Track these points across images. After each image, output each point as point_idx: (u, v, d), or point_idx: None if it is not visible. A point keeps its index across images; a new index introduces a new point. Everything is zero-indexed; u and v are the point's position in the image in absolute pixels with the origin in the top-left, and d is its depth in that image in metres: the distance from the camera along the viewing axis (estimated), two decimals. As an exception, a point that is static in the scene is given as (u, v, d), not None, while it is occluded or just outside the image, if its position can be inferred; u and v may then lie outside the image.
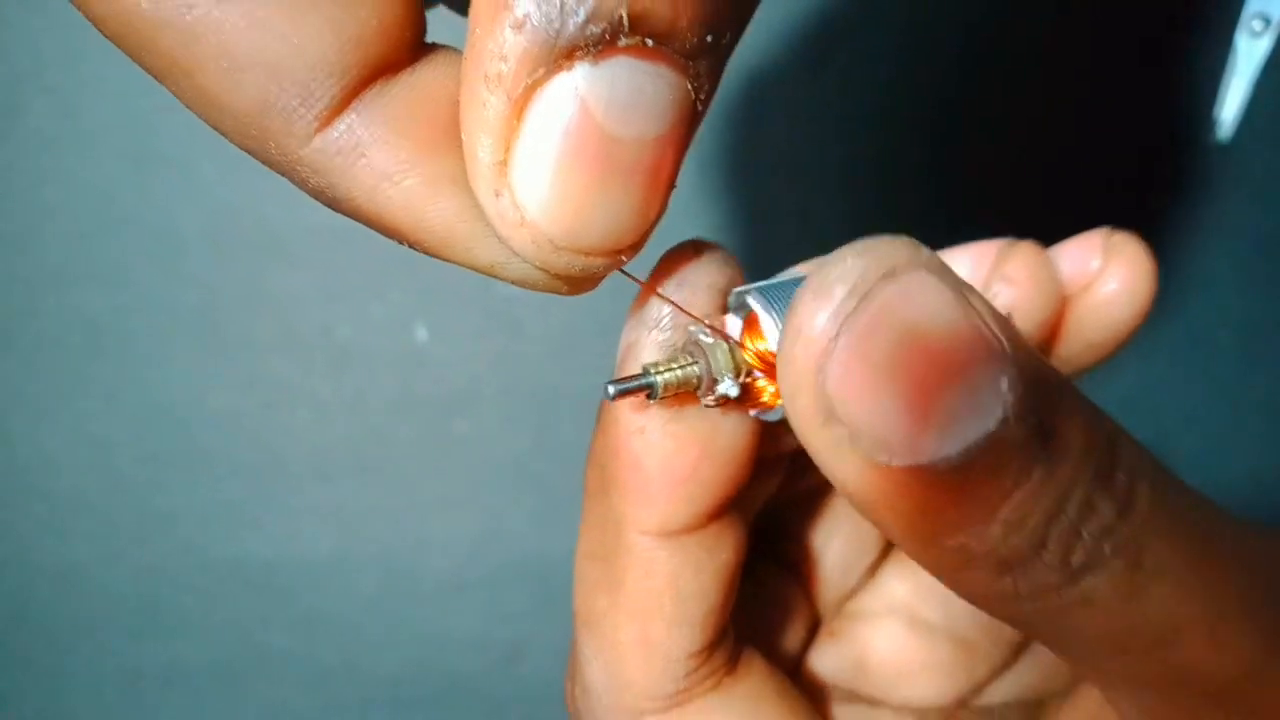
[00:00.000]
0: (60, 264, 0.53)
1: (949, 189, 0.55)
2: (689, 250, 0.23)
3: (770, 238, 0.55)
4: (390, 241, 0.57)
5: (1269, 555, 0.20)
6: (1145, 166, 0.56)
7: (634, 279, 0.22)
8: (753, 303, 0.21)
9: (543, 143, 0.17)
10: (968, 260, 0.26)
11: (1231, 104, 0.53)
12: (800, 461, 0.28)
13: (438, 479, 0.55)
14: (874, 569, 0.31)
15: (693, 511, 0.22)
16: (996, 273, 0.25)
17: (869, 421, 0.17)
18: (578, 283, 0.20)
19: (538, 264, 0.18)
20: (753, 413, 0.22)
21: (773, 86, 0.54)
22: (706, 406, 0.22)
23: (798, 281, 0.20)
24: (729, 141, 0.54)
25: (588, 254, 0.18)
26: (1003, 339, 0.17)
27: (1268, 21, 0.52)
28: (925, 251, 0.18)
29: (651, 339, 0.22)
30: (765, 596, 0.30)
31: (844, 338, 0.17)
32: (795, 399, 0.18)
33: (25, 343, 0.54)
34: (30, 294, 0.53)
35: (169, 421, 0.54)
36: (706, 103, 0.18)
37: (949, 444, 0.17)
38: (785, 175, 0.54)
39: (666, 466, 0.22)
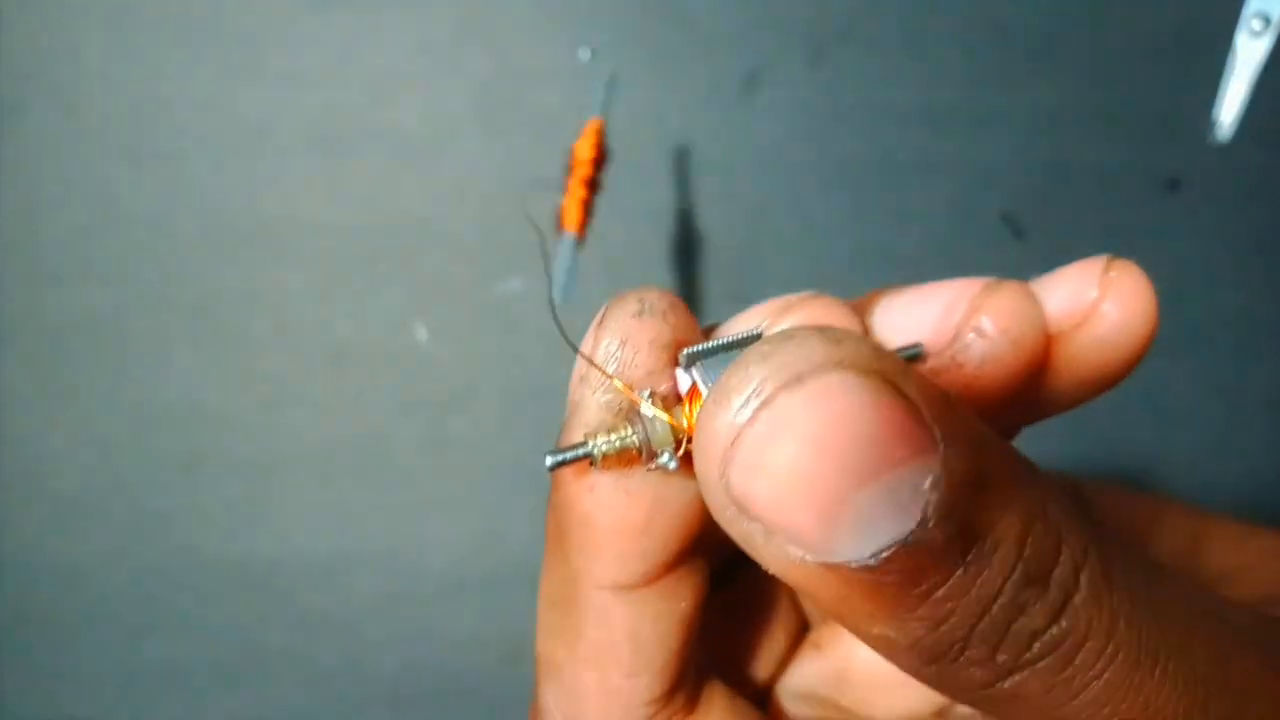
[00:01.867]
0: (59, 263, 0.53)
1: (948, 188, 0.55)
2: (632, 304, 0.22)
3: (770, 237, 0.55)
4: (389, 240, 0.57)
5: (1236, 639, 0.19)
6: (1144, 166, 0.56)
7: (570, 344, 0.22)
8: (695, 374, 0.21)
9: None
10: (940, 304, 0.24)
11: (1231, 104, 0.53)
12: None
13: (437, 479, 0.55)
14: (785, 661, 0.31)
15: (647, 566, 0.22)
16: (971, 320, 0.23)
17: (776, 522, 0.17)
18: None
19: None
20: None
21: (772, 85, 0.54)
22: (649, 471, 0.21)
23: (750, 341, 0.20)
24: (729, 141, 0.54)
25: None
26: (935, 431, 0.16)
27: (1268, 21, 0.52)
28: (846, 345, 0.17)
29: (594, 401, 0.22)
30: (750, 606, 0.29)
31: (740, 449, 0.17)
32: (705, 495, 0.18)
33: (23, 341, 0.54)
34: (29, 293, 0.53)
35: (167, 420, 0.54)
36: None
37: (861, 546, 0.16)
38: (785, 174, 0.54)
39: (618, 522, 0.22)
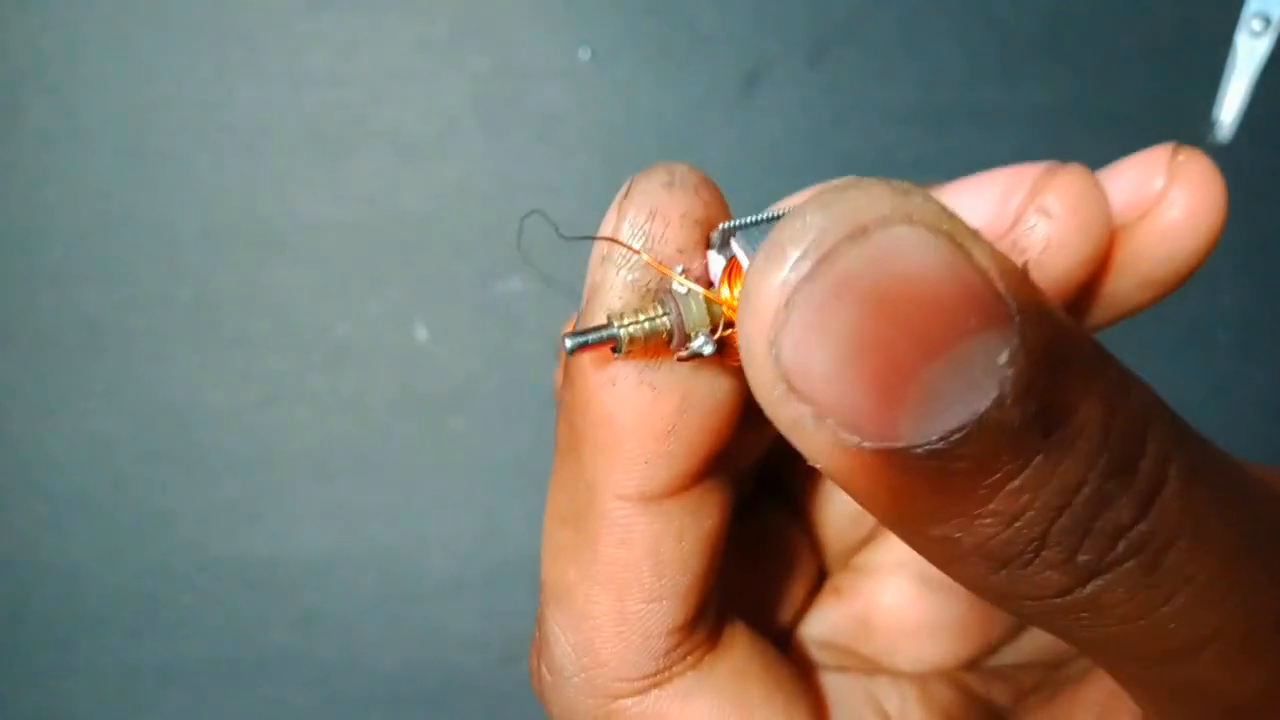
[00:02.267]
0: (59, 262, 0.53)
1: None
2: (661, 174, 0.20)
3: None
4: (389, 239, 0.57)
5: None
6: (1145, 166, 0.56)
7: (573, 238, 0.20)
8: (736, 246, 0.19)
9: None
10: (998, 188, 0.22)
11: (1231, 104, 0.53)
12: None
13: (437, 477, 0.56)
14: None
15: (673, 473, 0.20)
16: (1033, 202, 0.21)
17: (831, 400, 0.15)
18: None
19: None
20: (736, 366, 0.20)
21: (772, 85, 0.54)
22: (680, 360, 0.19)
23: None
24: (729, 141, 0.54)
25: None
26: (1010, 301, 0.14)
27: (1268, 21, 0.52)
28: (915, 197, 0.15)
29: (619, 280, 0.19)
30: (766, 549, 0.27)
31: (796, 311, 0.15)
32: (750, 372, 0.16)
33: (24, 341, 0.54)
34: (29, 292, 0.53)
35: (168, 420, 0.54)
36: None
37: (929, 428, 0.14)
38: (785, 174, 0.55)
39: (642, 421, 0.19)
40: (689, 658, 0.22)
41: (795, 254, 0.15)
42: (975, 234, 0.15)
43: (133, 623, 0.56)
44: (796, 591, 0.27)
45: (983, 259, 0.15)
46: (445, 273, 0.54)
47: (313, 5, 0.52)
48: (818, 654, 0.27)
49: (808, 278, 0.15)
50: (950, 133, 0.55)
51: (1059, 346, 0.15)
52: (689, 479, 0.20)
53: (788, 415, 0.15)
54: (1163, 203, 0.21)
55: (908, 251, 0.14)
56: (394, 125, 0.53)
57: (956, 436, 0.14)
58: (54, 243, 0.53)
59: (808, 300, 0.15)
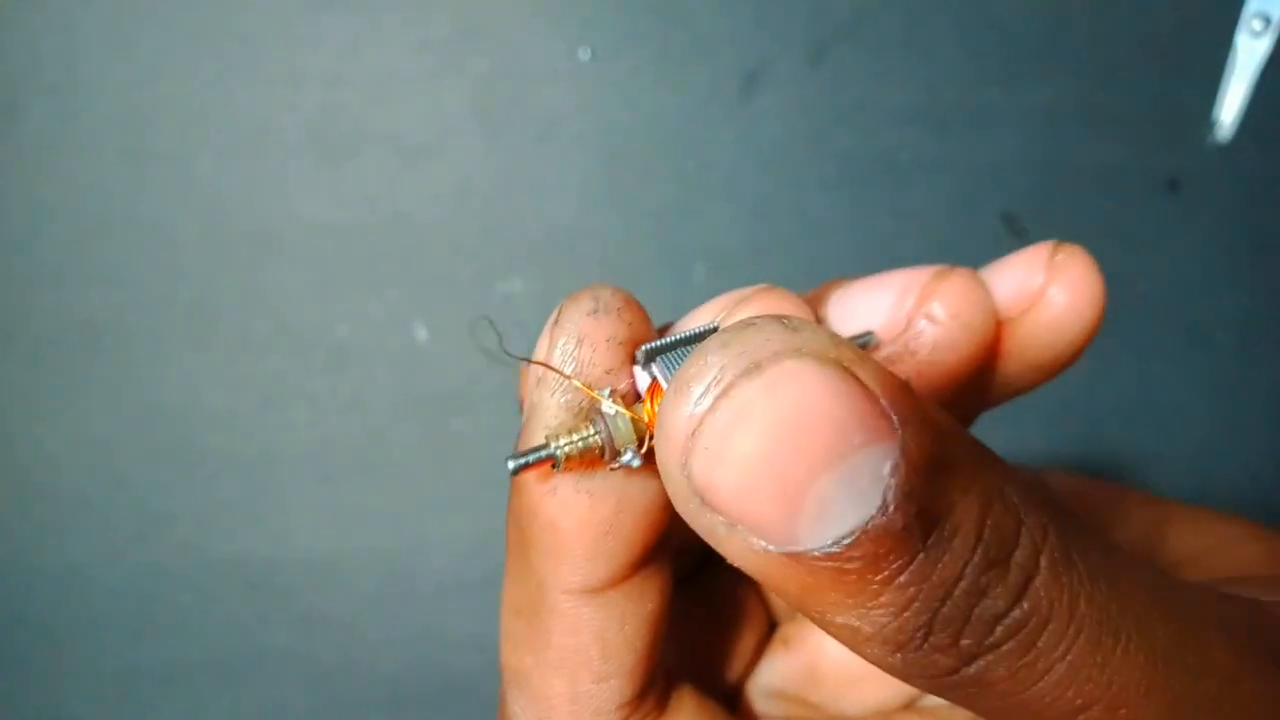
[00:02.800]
0: (58, 264, 0.53)
1: (948, 188, 0.55)
2: (586, 302, 0.22)
3: (770, 237, 0.55)
4: (389, 240, 0.57)
5: (1196, 617, 0.19)
6: (1144, 166, 0.56)
7: (515, 357, 0.22)
8: (656, 371, 0.21)
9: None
10: (892, 293, 0.24)
11: (1231, 104, 0.53)
12: None
13: (436, 478, 0.56)
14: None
15: (613, 567, 0.22)
16: (922, 307, 0.24)
17: (738, 513, 0.17)
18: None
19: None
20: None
21: (772, 85, 0.54)
22: (611, 470, 0.21)
23: (707, 335, 0.20)
24: (729, 141, 0.54)
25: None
26: (893, 415, 0.16)
27: (1268, 21, 0.52)
28: (803, 333, 0.17)
29: (553, 402, 0.21)
30: (716, 607, 0.29)
31: (701, 439, 0.17)
32: (669, 488, 0.18)
33: (23, 342, 0.54)
34: (28, 294, 0.54)
35: (167, 421, 0.54)
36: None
37: (823, 533, 0.16)
38: (785, 174, 0.55)
39: (582, 525, 0.21)
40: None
41: (699, 390, 0.17)
42: (862, 356, 0.17)
43: (132, 624, 0.56)
44: (746, 645, 0.29)
45: (868, 379, 0.17)
46: (445, 274, 0.54)
47: (312, 7, 0.52)
48: (767, 705, 0.29)
49: (710, 410, 0.17)
50: (950, 133, 0.55)
51: (939, 453, 0.17)
52: (628, 569, 0.22)
53: (704, 524, 0.17)
54: (1042, 299, 0.23)
55: (797, 381, 0.16)
56: (394, 126, 0.53)
57: (847, 540, 0.16)
58: (53, 244, 0.53)
59: (711, 429, 0.17)
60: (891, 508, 0.16)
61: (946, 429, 0.17)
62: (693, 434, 0.17)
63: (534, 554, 0.22)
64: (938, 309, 0.23)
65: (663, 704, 0.24)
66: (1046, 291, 0.23)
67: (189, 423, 0.54)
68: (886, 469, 0.16)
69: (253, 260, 0.54)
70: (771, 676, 0.29)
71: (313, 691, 0.56)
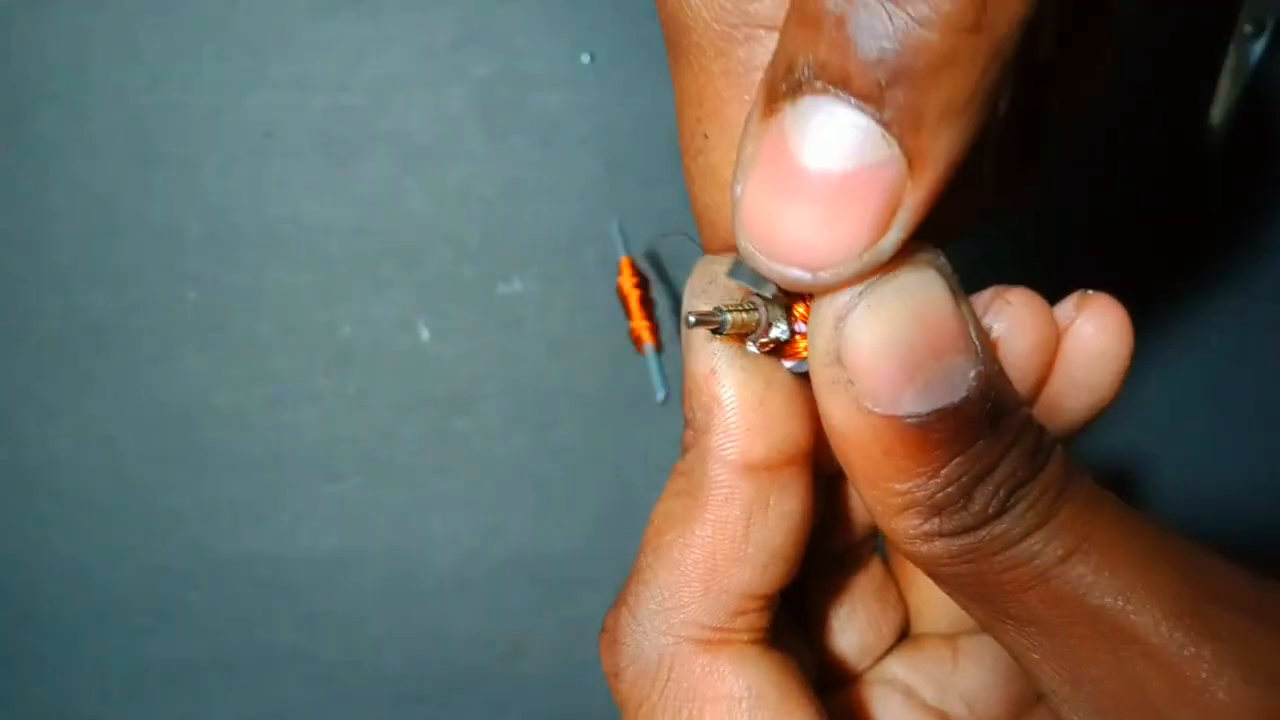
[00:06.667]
0: (66, 265, 0.54)
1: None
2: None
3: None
4: (393, 242, 0.58)
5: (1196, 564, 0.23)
6: (1138, 170, 0.56)
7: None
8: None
9: (748, 164, 0.22)
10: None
11: (1224, 108, 0.54)
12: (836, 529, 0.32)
13: (440, 477, 0.56)
14: (880, 658, 0.34)
15: (765, 444, 0.25)
16: (1000, 296, 0.27)
17: (863, 370, 0.22)
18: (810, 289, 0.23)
19: (753, 266, 0.22)
20: (787, 364, 0.26)
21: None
22: (763, 345, 0.25)
23: None
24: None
25: (781, 263, 0.22)
26: (979, 346, 0.22)
27: (1261, 26, 0.53)
28: (941, 258, 0.23)
29: (727, 282, 0.26)
30: (854, 593, 0.33)
31: (863, 300, 0.22)
32: (815, 340, 0.23)
33: (31, 343, 0.54)
34: (36, 295, 0.54)
35: (174, 420, 0.55)
36: (930, 162, 0.20)
37: (922, 404, 0.21)
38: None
39: (740, 396, 0.25)
40: (751, 633, 0.26)
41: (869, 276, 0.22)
42: (967, 299, 0.23)
43: (138, 621, 0.56)
44: (878, 638, 0.33)
45: (968, 315, 0.23)
46: (449, 275, 0.55)
47: (318, 12, 0.53)
48: (883, 691, 0.33)
49: (875, 283, 0.22)
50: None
51: (1001, 385, 0.23)
52: (777, 456, 0.26)
53: (829, 376, 0.22)
54: (1072, 328, 0.28)
55: (935, 288, 0.22)
56: (398, 130, 0.54)
57: (938, 413, 0.21)
58: (61, 246, 0.54)
59: (871, 295, 0.22)
60: (972, 399, 0.22)
61: (1005, 377, 0.23)
62: (859, 294, 0.22)
63: (706, 430, 0.26)
64: (1014, 296, 0.27)
65: (773, 641, 0.27)
66: (1075, 322, 0.27)
67: (195, 422, 0.55)
68: (972, 375, 0.22)
69: (258, 262, 0.54)
70: (899, 671, 0.33)
71: (317, 688, 0.57)
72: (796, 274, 0.21)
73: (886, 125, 0.20)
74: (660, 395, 0.54)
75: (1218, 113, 0.54)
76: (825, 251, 0.21)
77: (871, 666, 0.33)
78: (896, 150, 0.20)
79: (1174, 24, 0.55)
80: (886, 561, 0.35)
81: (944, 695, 0.33)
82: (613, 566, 0.54)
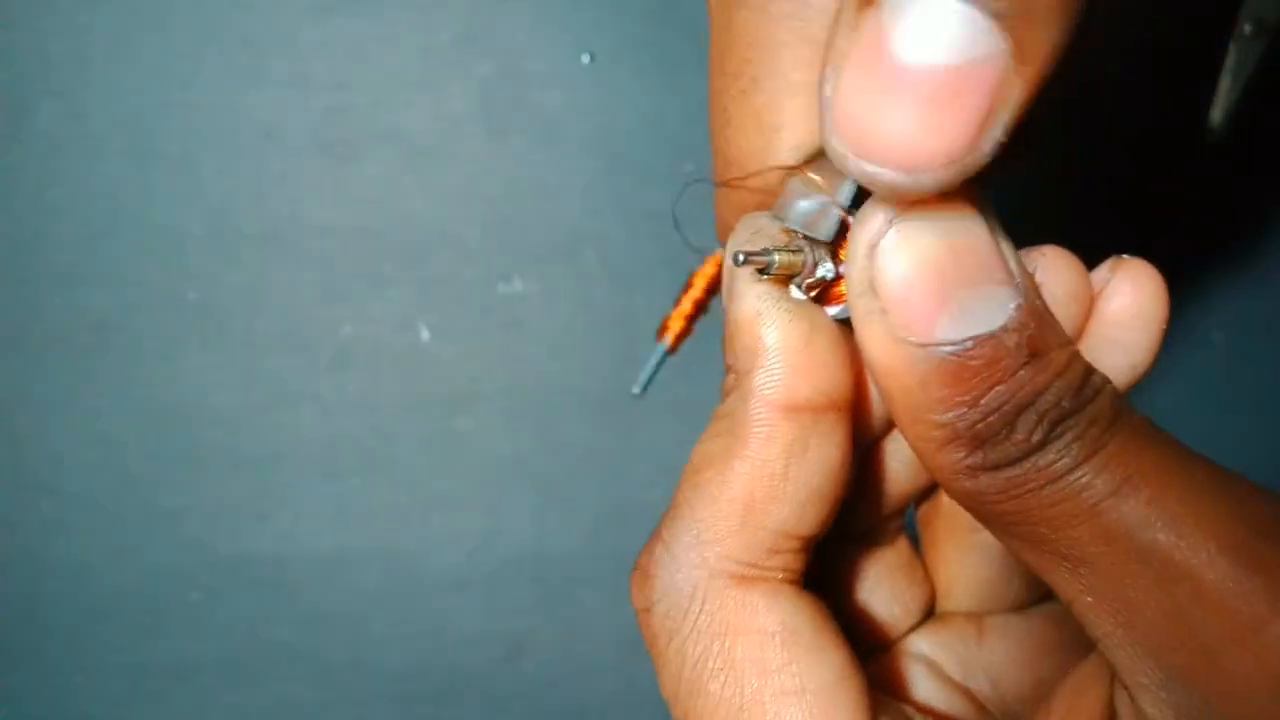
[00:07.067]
0: (66, 264, 0.54)
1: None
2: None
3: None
4: (394, 241, 0.57)
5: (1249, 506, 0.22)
6: (1138, 168, 0.56)
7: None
8: (853, 217, 0.25)
9: (840, 60, 0.20)
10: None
11: (1225, 107, 0.54)
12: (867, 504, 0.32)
13: (440, 477, 0.56)
14: (905, 634, 0.34)
15: (809, 385, 0.25)
16: (1036, 250, 0.26)
17: (896, 300, 0.22)
18: (897, 197, 0.22)
19: (841, 167, 0.21)
20: (831, 310, 0.26)
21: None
22: (796, 291, 0.26)
23: None
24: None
25: (877, 164, 0.20)
26: (1018, 277, 0.22)
27: (1261, 25, 0.53)
28: (979, 192, 0.22)
29: (773, 228, 0.26)
30: (892, 567, 0.33)
31: (892, 230, 0.22)
32: (851, 271, 0.23)
33: (32, 342, 0.54)
34: (37, 294, 0.54)
35: (174, 420, 0.55)
36: (1034, 56, 0.19)
37: (956, 331, 0.21)
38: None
39: (785, 337, 0.25)
40: (785, 572, 0.26)
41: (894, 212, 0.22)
42: (1005, 234, 0.23)
43: (140, 620, 0.56)
44: (904, 612, 0.33)
45: (1007, 248, 0.23)
46: (449, 275, 0.55)
47: (319, 11, 0.53)
48: (917, 666, 0.33)
49: (906, 216, 0.22)
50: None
51: (1042, 316, 0.23)
52: (820, 398, 0.26)
53: (864, 307, 0.22)
54: (1106, 288, 0.27)
55: (967, 219, 0.22)
56: (399, 129, 0.54)
57: (974, 339, 0.21)
58: (62, 245, 0.54)
59: (904, 225, 0.22)
60: (1010, 328, 0.21)
61: (1048, 312, 0.23)
62: (890, 223, 0.22)
63: (744, 367, 0.26)
64: (1047, 249, 0.27)
65: (810, 584, 0.27)
66: (1110, 282, 0.27)
67: (196, 421, 0.55)
68: (1011, 305, 0.22)
69: (259, 261, 0.54)
70: (924, 646, 0.33)
71: (319, 687, 0.57)
72: (892, 177, 0.20)
73: (996, 15, 0.18)
74: (637, 389, 0.54)
75: (1218, 113, 0.54)
76: (925, 152, 0.19)
77: (897, 641, 0.33)
78: (1004, 43, 0.19)
79: (1174, 24, 0.55)
80: (914, 542, 0.35)
81: (968, 671, 0.33)
82: (613, 566, 0.55)
